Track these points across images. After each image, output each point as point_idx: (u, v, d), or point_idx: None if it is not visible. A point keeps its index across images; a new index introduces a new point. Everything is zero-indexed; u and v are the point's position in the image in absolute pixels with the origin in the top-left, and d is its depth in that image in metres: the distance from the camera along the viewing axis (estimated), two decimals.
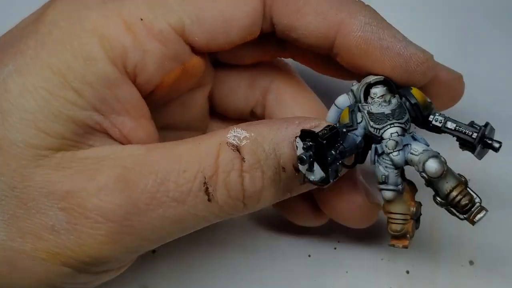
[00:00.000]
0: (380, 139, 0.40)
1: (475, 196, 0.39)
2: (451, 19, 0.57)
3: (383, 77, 0.41)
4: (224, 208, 0.39)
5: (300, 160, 0.37)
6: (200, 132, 0.48)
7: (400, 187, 0.40)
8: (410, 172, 0.40)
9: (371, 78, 0.41)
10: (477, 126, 0.40)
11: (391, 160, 0.39)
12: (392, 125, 0.40)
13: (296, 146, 0.38)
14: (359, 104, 0.41)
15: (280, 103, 0.46)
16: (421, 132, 0.41)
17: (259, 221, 0.50)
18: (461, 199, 0.39)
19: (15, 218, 0.38)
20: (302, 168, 0.38)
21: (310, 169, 0.38)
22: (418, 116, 0.41)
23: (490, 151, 0.41)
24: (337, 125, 0.39)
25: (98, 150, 0.39)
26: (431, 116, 0.41)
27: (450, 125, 0.40)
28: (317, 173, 0.38)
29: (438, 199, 0.39)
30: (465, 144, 0.40)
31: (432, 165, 0.38)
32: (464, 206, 0.39)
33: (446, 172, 0.38)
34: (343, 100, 0.42)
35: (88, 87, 0.38)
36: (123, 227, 0.38)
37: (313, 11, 0.41)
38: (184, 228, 0.40)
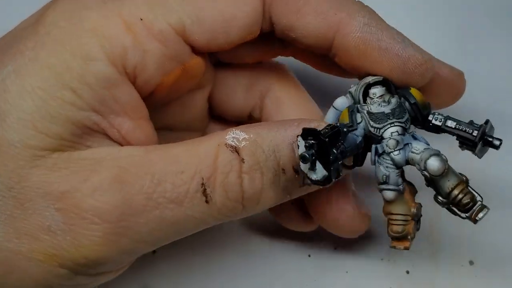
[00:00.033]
0: (380, 139, 0.40)
1: (476, 194, 0.39)
2: (451, 17, 0.57)
3: (382, 77, 0.41)
4: (222, 210, 0.39)
5: (303, 158, 0.37)
6: (199, 133, 0.48)
7: (401, 187, 0.40)
8: (409, 174, 0.40)
9: (370, 79, 0.41)
10: (476, 125, 0.40)
11: (392, 159, 0.39)
12: (393, 124, 0.40)
13: (298, 145, 0.38)
14: (358, 105, 0.41)
15: (277, 107, 0.46)
16: (420, 133, 0.41)
17: (259, 221, 0.50)
18: (462, 197, 0.39)
19: (12, 218, 0.38)
20: (304, 167, 0.38)
21: (312, 168, 0.37)
22: (418, 116, 0.41)
23: (490, 149, 0.41)
24: (338, 124, 0.39)
25: (95, 151, 0.39)
26: (431, 116, 0.41)
27: (450, 123, 0.40)
28: (319, 172, 0.37)
29: (440, 198, 0.39)
30: (465, 143, 0.40)
31: (434, 163, 0.38)
32: (465, 205, 0.39)
33: (447, 170, 0.38)
34: (342, 102, 0.42)
35: (87, 87, 0.38)
36: (119, 228, 0.38)
37: (313, 11, 0.41)
38: (181, 230, 0.40)
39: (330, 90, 0.53)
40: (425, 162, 0.38)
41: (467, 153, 0.41)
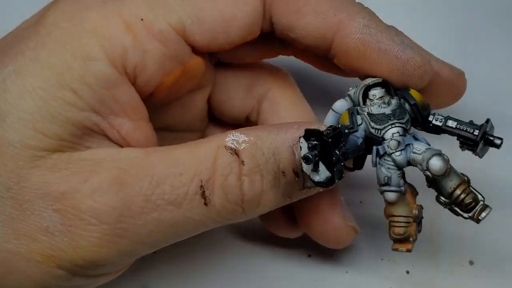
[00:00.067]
0: (381, 140, 0.40)
1: (478, 194, 0.39)
2: (451, 19, 0.57)
3: (381, 79, 0.41)
4: (222, 212, 0.39)
5: (306, 159, 0.37)
6: (198, 133, 0.48)
7: (402, 188, 0.39)
8: (409, 176, 0.40)
9: (369, 80, 0.41)
10: (476, 125, 0.40)
11: (394, 160, 0.39)
12: (394, 125, 0.40)
13: (300, 147, 0.38)
14: (358, 107, 0.41)
15: (274, 110, 0.46)
16: (420, 134, 0.41)
17: (259, 222, 0.50)
18: (465, 197, 0.38)
19: (11, 219, 0.38)
20: (307, 168, 0.38)
21: (315, 169, 0.37)
22: (417, 117, 0.40)
23: (490, 149, 0.41)
24: (339, 126, 0.39)
25: (94, 152, 0.39)
26: (431, 116, 0.41)
27: (451, 123, 0.40)
28: (322, 173, 0.37)
29: (442, 198, 0.39)
30: (466, 143, 0.40)
31: (436, 163, 0.37)
32: (468, 205, 0.38)
33: (449, 170, 0.38)
34: (341, 104, 0.42)
35: (87, 88, 0.38)
36: (117, 230, 0.37)
37: (313, 12, 0.41)
38: (180, 233, 0.39)
39: (330, 89, 0.53)
40: (427, 162, 0.38)
41: (468, 153, 0.41)
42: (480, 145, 0.39)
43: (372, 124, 0.40)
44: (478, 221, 0.39)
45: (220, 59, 0.46)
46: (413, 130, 0.41)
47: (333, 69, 0.46)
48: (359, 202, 0.53)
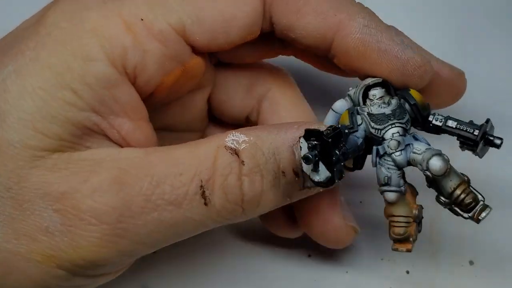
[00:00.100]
0: (381, 140, 0.40)
1: (478, 194, 0.39)
2: (451, 19, 0.57)
3: (381, 78, 0.41)
4: (222, 212, 0.39)
5: (306, 159, 0.37)
6: (198, 133, 0.48)
7: (402, 188, 0.39)
8: (409, 176, 0.40)
9: (369, 80, 0.41)
10: (476, 125, 0.40)
11: (394, 160, 0.39)
12: (394, 125, 0.39)
13: (300, 147, 0.38)
14: (358, 107, 0.41)
15: (274, 110, 0.46)
16: (420, 134, 0.40)
17: (259, 222, 0.50)
18: (465, 197, 0.38)
19: (11, 219, 0.38)
20: (307, 168, 0.38)
21: (315, 169, 0.37)
22: (417, 117, 0.40)
23: (490, 150, 0.40)
24: (339, 126, 0.39)
25: (95, 152, 0.39)
26: (431, 116, 0.40)
27: (451, 123, 0.40)
28: (322, 173, 0.37)
29: (442, 198, 0.39)
30: (466, 143, 0.40)
31: (436, 163, 0.37)
32: (468, 205, 0.38)
33: (449, 170, 0.38)
34: (341, 104, 0.42)
35: (87, 88, 0.38)
36: (117, 230, 0.37)
37: (313, 11, 0.41)
38: (180, 233, 0.39)
39: (330, 89, 0.53)
40: (427, 162, 0.38)
41: (467, 153, 0.41)
42: (480, 145, 0.39)
43: (372, 124, 0.40)
44: (478, 221, 0.39)
45: (220, 59, 0.46)
46: (413, 130, 0.41)
47: (333, 69, 0.46)
48: (359, 202, 0.52)
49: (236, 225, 0.52)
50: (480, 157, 0.40)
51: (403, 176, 0.39)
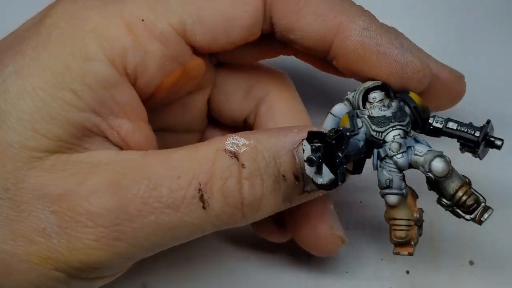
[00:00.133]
0: (382, 143, 0.39)
1: (479, 196, 0.39)
2: (450, 17, 0.57)
3: (380, 81, 0.41)
4: (221, 216, 0.38)
5: (309, 161, 0.36)
6: (198, 134, 0.48)
7: (404, 191, 0.39)
8: (409, 179, 0.40)
9: (369, 83, 0.41)
10: (476, 126, 0.40)
11: (395, 163, 0.39)
12: (394, 128, 0.39)
13: (303, 149, 0.37)
14: (358, 111, 0.40)
15: (270, 115, 0.45)
16: (420, 136, 0.40)
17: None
18: (467, 199, 0.38)
19: (8, 220, 0.37)
20: (310, 171, 0.37)
21: (319, 171, 0.37)
22: (417, 120, 0.40)
23: (490, 150, 0.40)
24: (341, 128, 0.38)
25: (93, 154, 0.38)
26: (431, 118, 0.40)
27: (451, 125, 0.40)
28: (326, 175, 0.37)
29: (444, 200, 0.39)
30: (466, 145, 0.40)
31: (439, 165, 0.37)
32: (470, 206, 0.38)
33: (451, 171, 0.38)
34: (340, 108, 0.42)
35: (87, 88, 0.38)
36: (113, 232, 0.37)
37: (313, 13, 0.41)
38: (178, 236, 0.39)
39: (331, 90, 0.53)
40: (429, 164, 0.37)
41: (467, 154, 0.41)
42: (481, 146, 0.39)
43: (373, 126, 0.39)
44: (480, 222, 0.39)
45: (221, 59, 0.46)
46: (413, 133, 0.41)
47: (333, 70, 0.46)
48: (359, 202, 0.52)
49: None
50: (481, 159, 0.40)
51: (403, 179, 0.39)
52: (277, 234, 0.48)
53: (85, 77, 0.38)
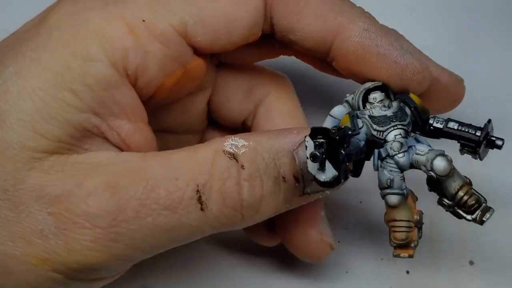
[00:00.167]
0: (383, 142, 0.39)
1: (480, 196, 0.38)
2: (451, 19, 0.57)
3: (381, 82, 0.41)
4: (220, 218, 0.38)
5: (313, 157, 0.36)
6: (198, 135, 0.48)
7: (405, 191, 0.39)
8: (409, 182, 0.40)
9: (369, 84, 0.41)
10: (478, 126, 0.40)
11: (397, 162, 0.39)
12: (396, 127, 0.39)
13: (306, 146, 0.37)
14: (358, 111, 0.40)
15: (268, 118, 0.45)
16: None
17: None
18: (468, 199, 0.38)
19: (7, 221, 0.37)
20: (312, 168, 0.37)
21: (322, 167, 0.36)
22: (417, 120, 0.40)
23: (490, 150, 0.40)
24: (343, 127, 0.38)
25: (92, 155, 0.38)
26: (431, 119, 0.40)
27: (452, 125, 0.40)
28: (329, 172, 0.36)
29: (445, 201, 0.38)
30: (466, 145, 0.40)
31: (441, 163, 0.37)
32: (471, 206, 0.38)
33: (453, 170, 0.37)
34: (339, 110, 0.41)
35: (87, 89, 0.37)
36: (110, 234, 0.37)
37: (313, 14, 0.41)
38: (176, 238, 0.39)
39: (331, 90, 0.53)
40: (431, 163, 0.37)
41: (467, 155, 0.40)
42: (482, 146, 0.39)
43: (374, 126, 0.39)
44: (482, 222, 0.38)
45: (222, 60, 0.46)
46: (412, 134, 0.41)
47: (332, 72, 0.46)
48: (359, 202, 0.52)
49: None
50: (481, 159, 0.40)
51: (403, 180, 0.39)
52: (267, 238, 0.48)
53: (85, 77, 0.37)
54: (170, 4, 0.40)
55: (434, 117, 0.40)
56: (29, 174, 0.37)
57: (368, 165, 0.41)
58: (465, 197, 0.38)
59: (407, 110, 0.40)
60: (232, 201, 0.38)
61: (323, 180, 0.37)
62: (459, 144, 0.40)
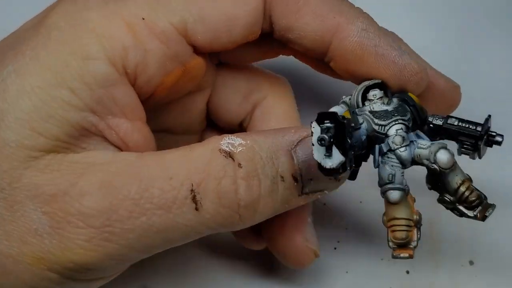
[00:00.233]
0: (384, 137, 0.39)
1: (481, 193, 0.38)
2: (451, 19, 0.57)
3: (380, 80, 0.41)
4: (216, 218, 0.37)
5: (321, 140, 0.35)
6: (196, 136, 0.47)
7: (406, 187, 0.39)
8: (409, 181, 0.39)
9: (368, 81, 0.41)
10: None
11: (398, 156, 0.38)
12: (397, 122, 0.39)
13: (312, 132, 0.36)
14: (357, 109, 0.40)
15: (263, 120, 0.45)
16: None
17: None
18: (469, 194, 0.38)
19: (2, 220, 0.37)
20: (318, 156, 0.36)
21: (328, 152, 0.36)
22: (416, 119, 0.40)
23: (490, 148, 0.40)
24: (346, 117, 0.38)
25: (89, 154, 0.38)
26: (431, 117, 0.40)
27: (452, 121, 0.40)
28: (335, 158, 0.35)
29: (447, 196, 0.38)
30: (466, 143, 0.39)
31: (444, 156, 0.37)
32: (472, 202, 0.38)
33: (456, 164, 0.37)
34: (336, 110, 0.41)
35: (85, 87, 0.37)
36: (104, 233, 0.36)
37: (312, 13, 0.41)
38: (171, 238, 0.38)
39: (329, 91, 0.53)
40: (434, 155, 0.37)
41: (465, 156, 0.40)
42: (482, 143, 0.39)
43: (376, 120, 0.39)
44: (484, 218, 0.38)
45: (221, 59, 0.45)
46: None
47: (330, 72, 0.46)
48: (359, 202, 0.52)
49: None
50: (480, 157, 0.40)
51: (404, 177, 0.39)
52: (253, 241, 0.47)
53: (84, 76, 0.37)
54: (170, 3, 0.39)
55: (433, 115, 0.40)
56: (25, 173, 0.37)
57: (367, 166, 0.41)
58: (467, 193, 0.38)
59: (407, 108, 0.40)
60: (229, 200, 0.37)
61: (329, 167, 0.36)
62: (457, 144, 0.40)
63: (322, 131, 0.35)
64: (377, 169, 0.39)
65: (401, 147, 0.38)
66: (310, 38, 0.41)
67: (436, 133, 0.40)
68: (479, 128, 0.39)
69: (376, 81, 0.41)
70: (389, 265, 0.50)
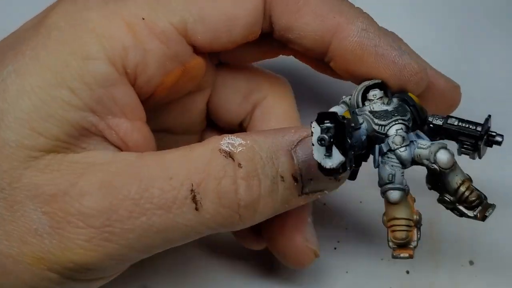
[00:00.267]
0: (384, 137, 0.39)
1: (481, 193, 0.38)
2: (451, 19, 0.56)
3: (380, 80, 0.41)
4: (216, 218, 0.37)
5: (321, 140, 0.35)
6: (196, 136, 0.47)
7: (406, 187, 0.39)
8: (409, 181, 0.39)
9: (368, 81, 0.41)
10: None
11: (398, 156, 0.38)
12: (397, 122, 0.39)
13: (312, 132, 0.36)
14: (357, 109, 0.40)
15: (263, 120, 0.45)
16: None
17: None
18: (469, 194, 0.38)
19: (2, 220, 0.37)
20: (318, 155, 0.36)
21: (328, 153, 0.36)
22: (416, 119, 0.40)
23: (490, 148, 0.40)
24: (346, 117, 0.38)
25: (89, 154, 0.38)
26: (431, 117, 0.40)
27: (452, 121, 0.40)
28: (335, 158, 0.36)
29: (447, 196, 0.38)
30: (466, 143, 0.39)
31: (444, 156, 0.37)
32: (472, 202, 0.38)
33: (456, 164, 0.37)
34: (336, 110, 0.41)
35: (85, 87, 0.37)
36: (104, 233, 0.36)
37: (312, 13, 0.41)
38: (171, 238, 0.38)
39: (329, 91, 0.53)
40: (434, 155, 0.37)
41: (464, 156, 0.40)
42: (482, 143, 0.39)
43: (376, 120, 0.39)
44: (484, 218, 0.38)
45: (221, 59, 0.45)
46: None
47: (330, 72, 0.46)
48: (359, 202, 0.52)
49: None
50: (480, 157, 0.40)
51: (403, 177, 0.39)
52: (253, 241, 0.47)
53: (84, 76, 0.37)
54: (170, 3, 0.39)
55: (433, 116, 0.40)
56: (25, 173, 0.37)
57: (367, 166, 0.40)
58: (467, 193, 0.38)
59: (407, 108, 0.40)
60: (229, 200, 0.37)
61: (329, 167, 0.36)
62: (457, 144, 0.40)
63: (322, 131, 0.35)
64: (377, 169, 0.39)
65: (401, 147, 0.38)
66: (310, 38, 0.41)
67: (436, 133, 0.40)
68: (479, 128, 0.39)
69: (376, 81, 0.40)
70: (389, 265, 0.50)
